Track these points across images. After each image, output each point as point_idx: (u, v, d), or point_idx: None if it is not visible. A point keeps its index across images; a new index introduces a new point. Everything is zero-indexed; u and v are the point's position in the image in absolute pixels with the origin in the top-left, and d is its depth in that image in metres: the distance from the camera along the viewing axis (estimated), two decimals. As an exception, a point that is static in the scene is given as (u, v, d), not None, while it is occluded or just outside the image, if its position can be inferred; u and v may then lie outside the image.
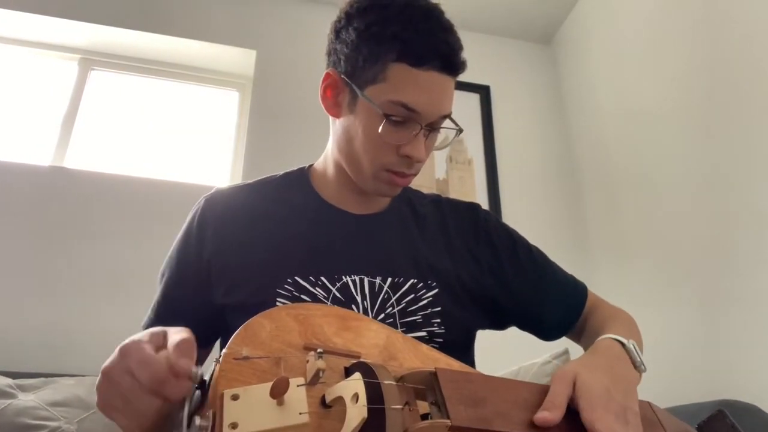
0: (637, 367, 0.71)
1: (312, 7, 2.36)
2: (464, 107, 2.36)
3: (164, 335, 0.54)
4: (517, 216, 2.19)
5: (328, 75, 0.81)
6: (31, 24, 2.08)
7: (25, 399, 1.26)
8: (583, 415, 0.57)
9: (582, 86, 2.40)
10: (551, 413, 0.56)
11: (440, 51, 0.74)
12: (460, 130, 0.82)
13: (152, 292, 0.86)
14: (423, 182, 2.16)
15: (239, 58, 2.27)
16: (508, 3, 2.45)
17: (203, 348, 0.85)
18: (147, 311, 0.85)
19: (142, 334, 0.54)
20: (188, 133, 2.20)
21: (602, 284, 2.08)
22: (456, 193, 2.18)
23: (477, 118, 2.38)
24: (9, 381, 1.29)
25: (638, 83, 2.04)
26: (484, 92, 2.43)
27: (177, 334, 0.53)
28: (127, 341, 0.52)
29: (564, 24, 2.56)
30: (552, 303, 0.91)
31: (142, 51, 2.22)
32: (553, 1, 2.45)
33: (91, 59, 2.19)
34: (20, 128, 2.02)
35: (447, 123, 0.81)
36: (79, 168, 1.90)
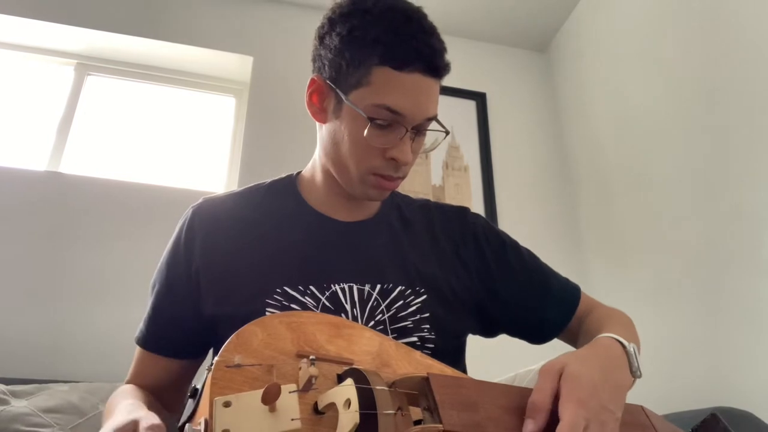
0: (633, 372, 0.69)
1: (308, 14, 2.37)
2: (461, 114, 2.37)
3: (135, 425, 0.53)
4: (513, 222, 2.19)
5: (313, 81, 0.81)
6: (27, 29, 2.08)
7: (18, 405, 1.25)
8: (559, 402, 0.55)
9: (577, 93, 2.42)
10: (534, 422, 0.55)
11: (422, 53, 0.74)
12: (446, 132, 0.82)
13: (147, 298, 0.86)
14: (419, 188, 2.16)
15: (236, 64, 2.27)
16: (504, 11, 2.46)
17: (195, 358, 0.85)
18: (140, 324, 0.84)
19: (115, 425, 0.53)
20: (184, 138, 2.21)
21: (598, 289, 2.08)
22: (452, 199, 2.18)
23: (473, 124, 2.39)
24: (2, 387, 1.28)
25: (633, 90, 2.05)
26: (480, 99, 2.43)
27: (149, 419, 0.53)
28: None
29: (560, 32, 2.57)
30: (542, 304, 0.90)
31: (138, 56, 2.22)
32: (549, 9, 2.46)
33: (87, 64, 2.19)
34: (16, 133, 2.02)
35: (434, 126, 0.81)
36: (75, 173, 1.90)
